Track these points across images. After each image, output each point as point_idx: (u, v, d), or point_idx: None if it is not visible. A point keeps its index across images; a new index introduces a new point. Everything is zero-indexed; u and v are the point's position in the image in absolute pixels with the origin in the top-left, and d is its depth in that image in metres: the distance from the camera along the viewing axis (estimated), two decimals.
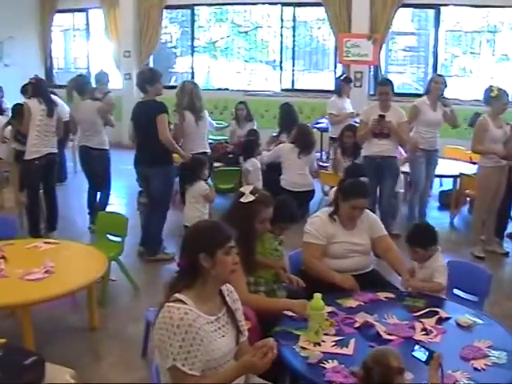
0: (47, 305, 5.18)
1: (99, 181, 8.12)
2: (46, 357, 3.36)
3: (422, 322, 3.76)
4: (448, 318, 3.84)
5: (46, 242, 5.69)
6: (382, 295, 4.24)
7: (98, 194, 8.26)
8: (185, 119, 7.55)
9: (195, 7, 14.30)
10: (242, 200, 4.15)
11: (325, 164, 9.66)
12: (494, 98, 7.03)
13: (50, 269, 4.92)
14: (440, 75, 8.72)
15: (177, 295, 2.89)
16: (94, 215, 7.57)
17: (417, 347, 3.12)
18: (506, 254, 7.45)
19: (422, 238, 4.43)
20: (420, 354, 3.06)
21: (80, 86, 8.09)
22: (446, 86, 7.99)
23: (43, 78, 8.06)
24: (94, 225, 7.37)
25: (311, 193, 8.54)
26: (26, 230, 7.62)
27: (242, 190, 4.26)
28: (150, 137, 6.71)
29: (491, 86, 7.18)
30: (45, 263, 5.00)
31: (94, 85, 8.65)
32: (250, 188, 4.24)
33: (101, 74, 9.54)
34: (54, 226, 7.86)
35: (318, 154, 10.46)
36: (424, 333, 3.62)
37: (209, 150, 7.98)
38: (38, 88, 7.46)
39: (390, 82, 7.82)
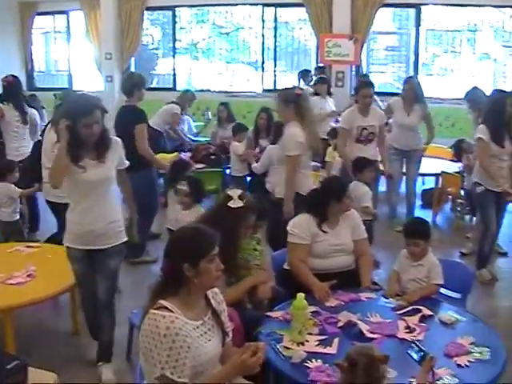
0: (30, 309, 5.16)
1: None
2: (30, 361, 3.34)
3: (405, 319, 3.79)
4: (431, 316, 3.87)
5: (28, 246, 5.67)
6: (363, 295, 4.26)
7: None
8: None
9: (176, 8, 14.24)
10: (230, 204, 4.13)
11: None
12: None
13: (32, 273, 4.92)
14: (411, 77, 8.88)
15: (162, 302, 2.85)
16: None
17: (413, 345, 3.15)
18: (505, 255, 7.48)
19: (423, 230, 4.48)
20: (414, 353, 3.09)
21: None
22: (419, 87, 8.01)
23: (19, 79, 7.92)
24: None
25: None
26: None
27: (229, 193, 4.24)
28: (127, 142, 6.72)
29: None
30: (27, 267, 4.98)
31: None
32: (238, 193, 4.21)
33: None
34: (37, 227, 7.85)
35: None
36: (407, 331, 3.64)
37: None
38: (10, 93, 7.50)
39: (372, 83, 7.69)
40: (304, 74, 11.86)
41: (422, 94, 7.99)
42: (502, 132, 6.22)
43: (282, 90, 6.40)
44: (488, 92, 7.73)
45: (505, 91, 6.64)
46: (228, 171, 9.05)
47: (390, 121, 8.17)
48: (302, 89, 6.10)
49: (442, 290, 4.53)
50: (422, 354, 3.03)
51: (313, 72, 12.11)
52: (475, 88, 8.30)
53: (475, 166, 6.59)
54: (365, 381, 2.63)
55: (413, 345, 3.17)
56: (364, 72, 12.84)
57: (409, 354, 3.11)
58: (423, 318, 3.83)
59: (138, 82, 6.92)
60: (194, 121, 11.06)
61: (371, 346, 2.79)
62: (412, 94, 7.91)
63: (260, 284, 4.16)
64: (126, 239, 4.57)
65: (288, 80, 13.77)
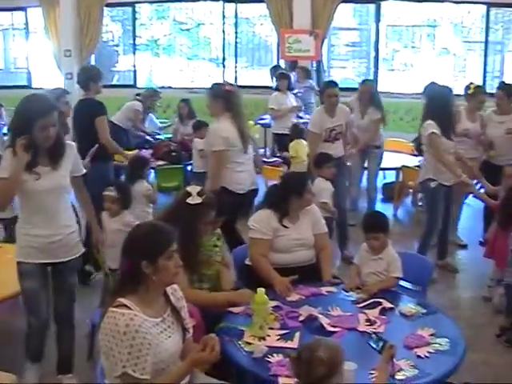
0: None
1: None
2: None
3: (365, 313, 3.81)
4: (391, 309, 3.91)
5: None
6: (324, 289, 4.29)
7: None
8: None
9: (136, 5, 14.16)
10: (189, 201, 4.10)
11: (269, 160, 9.65)
12: (470, 95, 7.21)
13: None
14: (368, 80, 9.11)
15: (121, 300, 2.83)
16: None
17: (373, 336, 3.18)
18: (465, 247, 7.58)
19: (381, 223, 4.54)
20: (373, 343, 3.12)
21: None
22: (375, 90, 8.12)
23: None
24: None
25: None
26: None
27: (188, 190, 4.21)
28: (86, 135, 6.62)
29: (470, 83, 7.34)
30: None
31: None
32: (198, 189, 4.19)
33: None
34: None
35: (262, 150, 10.47)
36: (368, 323, 3.66)
37: None
38: None
39: (336, 82, 7.54)
40: (276, 70, 11.86)
41: (377, 98, 8.08)
42: (449, 125, 6.30)
43: (213, 84, 6.34)
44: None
45: (448, 87, 6.75)
46: (190, 167, 9.00)
47: (351, 116, 8.20)
48: (232, 85, 6.09)
49: (402, 283, 4.57)
50: (382, 343, 3.05)
51: (287, 68, 12.15)
52: (433, 83, 8.37)
53: (426, 161, 6.53)
54: (307, 377, 2.62)
55: (373, 335, 3.20)
56: (325, 68, 12.92)
57: (369, 345, 3.13)
58: (384, 311, 3.86)
59: (94, 75, 6.82)
60: (156, 118, 10.98)
61: (321, 344, 2.69)
62: (368, 95, 7.97)
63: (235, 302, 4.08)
64: (83, 250, 4.40)
65: (249, 76, 13.77)
